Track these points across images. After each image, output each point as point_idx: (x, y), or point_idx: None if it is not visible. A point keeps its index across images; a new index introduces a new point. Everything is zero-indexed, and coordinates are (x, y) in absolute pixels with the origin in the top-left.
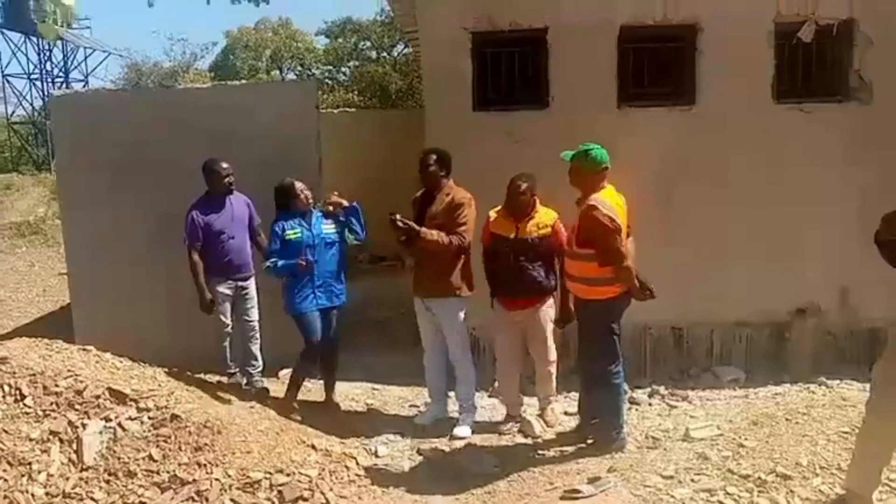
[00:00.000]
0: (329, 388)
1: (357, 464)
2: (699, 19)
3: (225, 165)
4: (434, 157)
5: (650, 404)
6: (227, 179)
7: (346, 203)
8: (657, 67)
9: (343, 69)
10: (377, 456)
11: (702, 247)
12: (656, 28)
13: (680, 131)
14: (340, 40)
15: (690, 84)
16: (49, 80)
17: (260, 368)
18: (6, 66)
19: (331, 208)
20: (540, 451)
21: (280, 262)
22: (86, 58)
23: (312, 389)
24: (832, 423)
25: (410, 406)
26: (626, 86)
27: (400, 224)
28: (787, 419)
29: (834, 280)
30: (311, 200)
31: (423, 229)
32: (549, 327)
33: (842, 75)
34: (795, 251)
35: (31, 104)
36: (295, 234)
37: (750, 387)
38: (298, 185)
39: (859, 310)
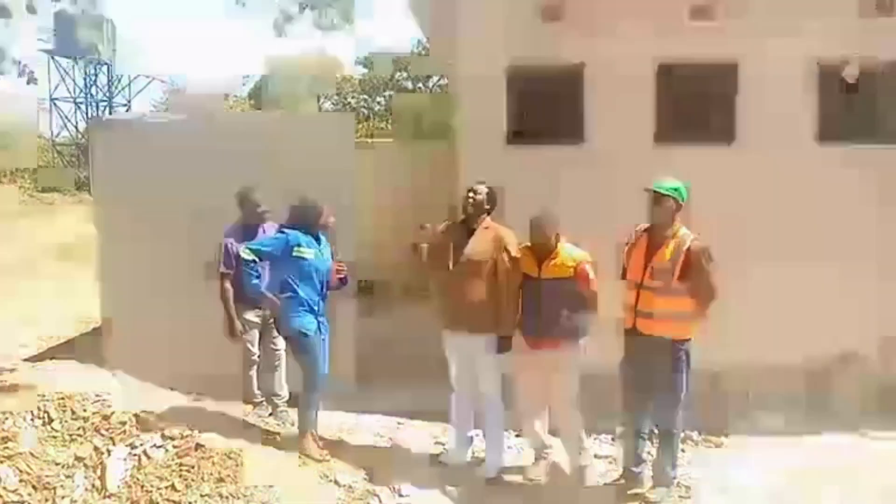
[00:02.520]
0: (315, 423)
1: (379, 501)
2: (739, 58)
3: (259, 195)
4: (486, 190)
5: (683, 450)
6: (260, 209)
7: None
8: (696, 105)
9: (378, 99)
10: (401, 495)
11: (739, 288)
12: (695, 66)
13: (717, 170)
14: (377, 70)
15: (729, 122)
16: (93, 104)
17: (286, 399)
18: (54, 90)
19: (341, 274)
20: (567, 495)
21: (258, 286)
22: (129, 82)
23: (337, 422)
24: (877, 478)
25: (436, 443)
26: (663, 122)
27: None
28: (829, 472)
29: (878, 327)
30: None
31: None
32: (573, 373)
33: (887, 116)
34: (838, 295)
35: (76, 126)
36: (310, 254)
37: (789, 435)
38: (328, 209)
39: None
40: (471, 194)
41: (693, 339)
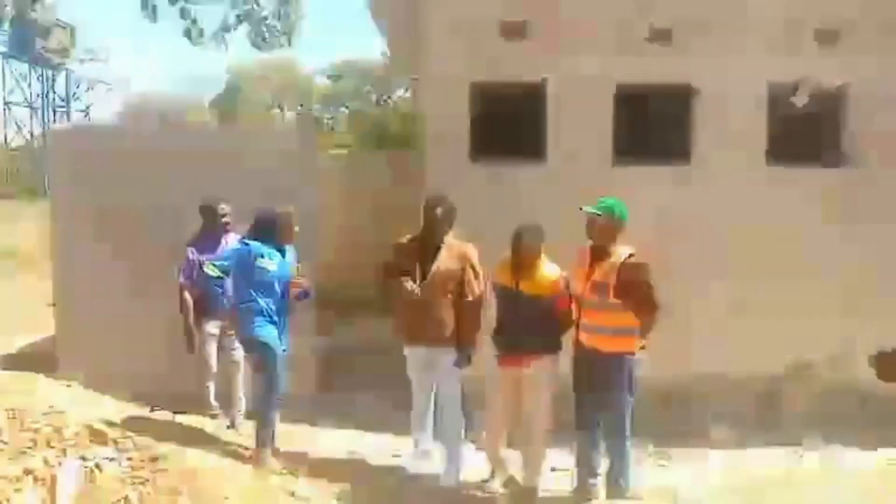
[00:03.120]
0: (273, 437)
1: None
2: (695, 80)
3: (223, 205)
4: (442, 208)
5: (637, 462)
6: (224, 219)
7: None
8: (653, 125)
9: (342, 109)
10: None
11: (693, 303)
12: (653, 87)
13: (674, 188)
14: (342, 81)
15: (685, 143)
16: (50, 109)
17: (244, 411)
18: (9, 94)
19: (301, 288)
20: None
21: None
22: (88, 89)
23: (296, 435)
24: (822, 489)
25: (395, 455)
26: (622, 142)
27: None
28: (775, 483)
29: (825, 341)
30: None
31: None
32: (545, 388)
33: (835, 140)
34: (787, 310)
35: (31, 132)
36: (272, 265)
37: (740, 447)
38: (293, 216)
39: (850, 372)
40: (431, 213)
41: (639, 353)
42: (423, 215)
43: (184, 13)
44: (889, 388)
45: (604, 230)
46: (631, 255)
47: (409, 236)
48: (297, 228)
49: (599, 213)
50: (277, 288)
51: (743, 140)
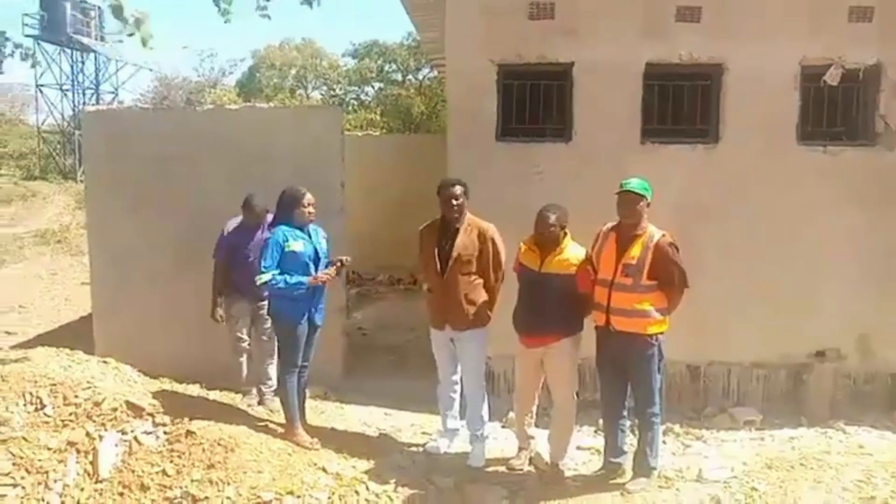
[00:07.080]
0: (303, 412)
1: (367, 489)
2: (725, 59)
3: (260, 202)
4: (461, 189)
5: (664, 442)
6: (262, 214)
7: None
8: (682, 105)
9: (367, 90)
10: (387, 483)
11: (720, 285)
12: (682, 66)
13: (702, 169)
14: (366, 61)
15: (714, 122)
16: (80, 91)
17: (274, 388)
18: (40, 77)
19: (337, 266)
20: (550, 485)
21: (289, 279)
22: (117, 70)
23: (326, 411)
24: (848, 470)
25: (423, 433)
26: (649, 122)
27: None
28: (801, 464)
29: (854, 325)
30: (314, 217)
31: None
32: (568, 368)
33: (867, 120)
34: (815, 294)
35: (62, 114)
36: (298, 245)
37: (766, 429)
38: (308, 196)
39: (879, 355)
40: (453, 201)
41: (665, 333)
42: (439, 199)
43: None
44: None
45: (638, 210)
46: (664, 236)
47: (431, 220)
48: (310, 209)
49: (640, 193)
50: (310, 264)
51: (774, 118)
